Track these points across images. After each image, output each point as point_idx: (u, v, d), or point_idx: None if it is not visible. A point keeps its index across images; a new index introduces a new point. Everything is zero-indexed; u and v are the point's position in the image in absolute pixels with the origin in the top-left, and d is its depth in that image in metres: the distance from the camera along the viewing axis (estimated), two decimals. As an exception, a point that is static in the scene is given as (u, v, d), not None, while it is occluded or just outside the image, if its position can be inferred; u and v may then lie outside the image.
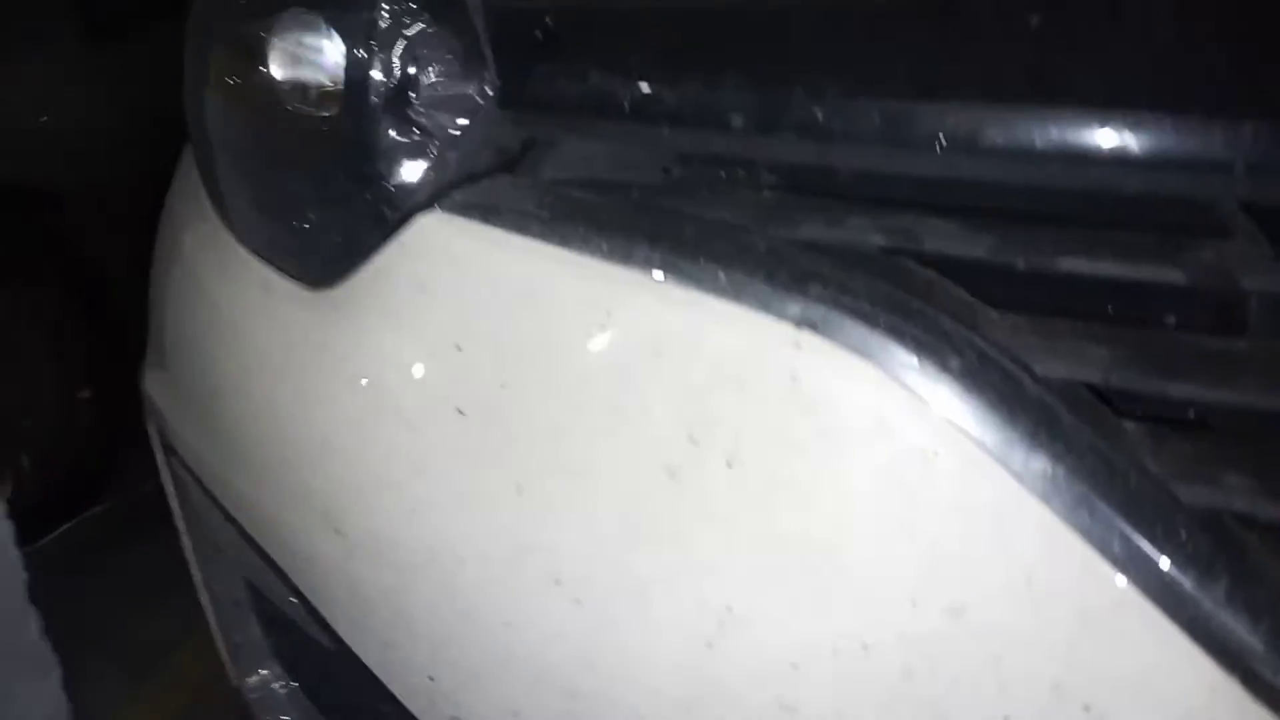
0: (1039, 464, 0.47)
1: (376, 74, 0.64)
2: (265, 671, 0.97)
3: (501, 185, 0.60)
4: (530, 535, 0.57)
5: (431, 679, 0.63)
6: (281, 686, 0.95)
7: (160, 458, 0.97)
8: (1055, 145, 0.45)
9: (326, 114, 0.68)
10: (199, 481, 0.82)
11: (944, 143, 0.45)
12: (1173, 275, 0.46)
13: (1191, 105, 0.43)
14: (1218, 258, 0.45)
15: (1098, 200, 0.47)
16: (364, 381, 0.63)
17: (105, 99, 2.68)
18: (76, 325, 2.62)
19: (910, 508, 0.49)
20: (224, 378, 0.74)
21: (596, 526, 0.55)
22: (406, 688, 0.66)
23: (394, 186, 0.64)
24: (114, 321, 2.73)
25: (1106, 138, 0.44)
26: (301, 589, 0.71)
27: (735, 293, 0.51)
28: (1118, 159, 0.44)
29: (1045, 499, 0.47)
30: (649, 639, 0.54)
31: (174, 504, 0.99)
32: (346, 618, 0.68)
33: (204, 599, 1.03)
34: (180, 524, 1.00)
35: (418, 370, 0.61)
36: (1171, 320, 0.46)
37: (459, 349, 0.59)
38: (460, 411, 0.59)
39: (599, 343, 0.55)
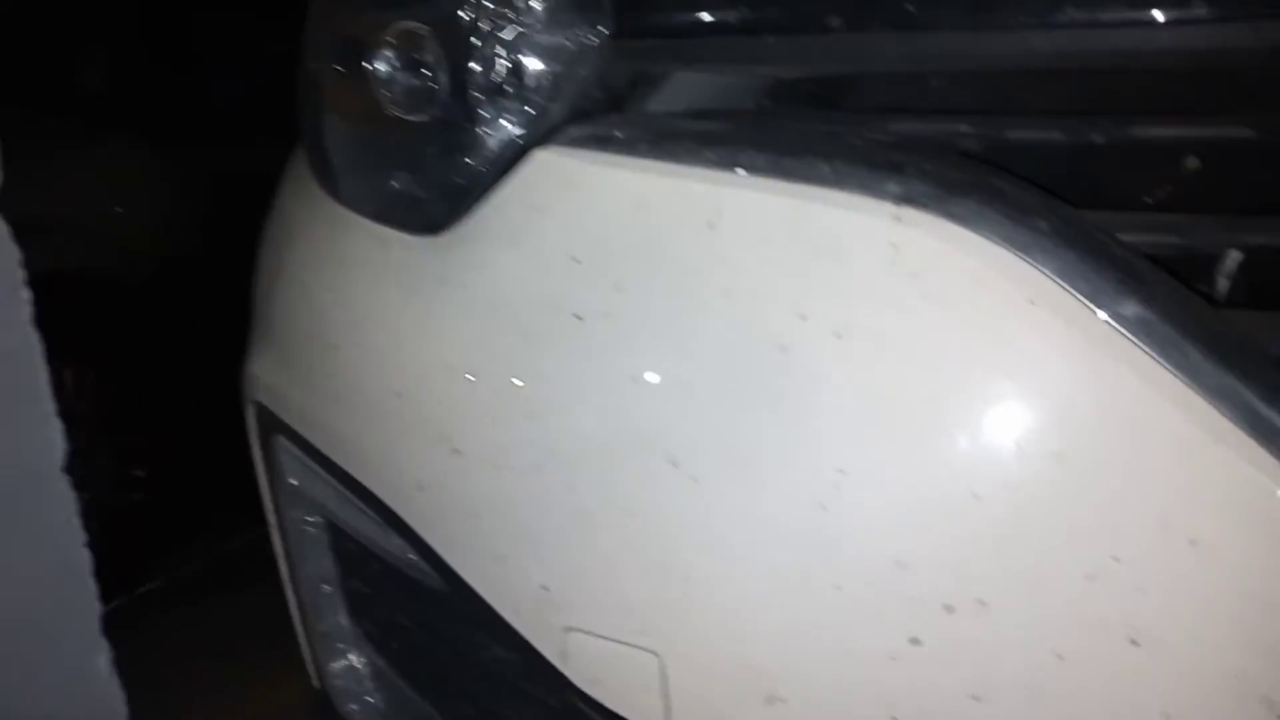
0: (1131, 309, 0.51)
1: (483, 51, 0.72)
2: (350, 657, 0.98)
3: (611, 119, 0.67)
4: (647, 422, 0.60)
5: (545, 588, 0.66)
6: (366, 667, 0.96)
7: (256, 449, 1.01)
8: (1123, 18, 0.50)
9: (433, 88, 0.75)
10: (305, 445, 0.86)
11: (1021, 19, 0.51)
12: (1243, 132, 0.50)
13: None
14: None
15: (1162, 66, 0.52)
16: (483, 303, 0.68)
17: (169, 198, 2.85)
18: (132, 407, 2.70)
19: (1011, 358, 0.53)
20: (341, 332, 0.79)
21: (711, 406, 0.59)
22: (517, 605, 0.68)
23: (507, 130, 0.70)
24: (166, 405, 2.82)
25: (1173, 9, 0.50)
26: (412, 524, 0.74)
27: (837, 180, 0.56)
28: (1183, 24, 0.49)
29: (1138, 341, 0.50)
30: (765, 508, 0.57)
31: (267, 493, 1.02)
32: (457, 542, 0.71)
33: (291, 596, 1.05)
34: (271, 516, 1.03)
35: (536, 283, 0.66)
36: (1244, 173, 0.51)
37: (575, 260, 0.64)
38: (578, 316, 0.63)
39: (709, 237, 0.59)
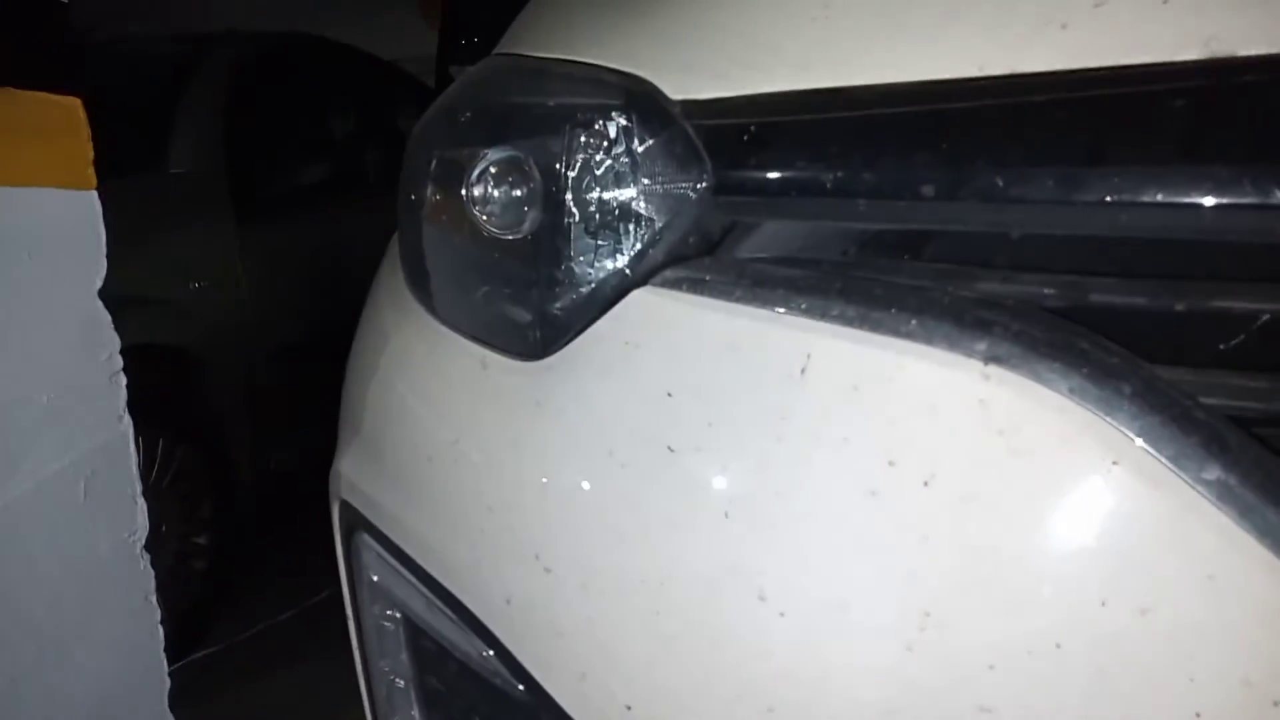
0: (1213, 474, 0.53)
1: (581, 187, 0.77)
2: (422, 753, 1.01)
3: (705, 263, 0.71)
4: (736, 556, 0.63)
5: (629, 708, 0.69)
6: (438, 764, 0.99)
7: (339, 543, 1.06)
8: (1204, 199, 0.54)
9: (533, 229, 0.80)
10: (390, 545, 0.90)
11: (1107, 199, 0.55)
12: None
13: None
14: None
15: (1245, 250, 0.56)
16: (578, 429, 0.72)
17: (254, 276, 2.97)
18: (200, 477, 2.78)
19: (1095, 517, 0.55)
20: (434, 445, 0.84)
21: (801, 544, 0.61)
22: (599, 720, 0.71)
23: (609, 271, 0.75)
24: (231, 477, 2.90)
25: (1248, 192, 0.53)
26: (497, 633, 0.78)
27: (926, 336, 0.60)
28: (1262, 210, 0.52)
29: (1220, 505, 0.53)
30: (850, 644, 0.59)
31: (348, 590, 1.06)
32: (541, 655, 0.74)
33: (364, 688, 1.08)
34: (350, 609, 1.07)
35: (630, 414, 0.69)
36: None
37: (669, 395, 0.68)
38: (670, 449, 0.67)
39: (799, 382, 0.63)
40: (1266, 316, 0.61)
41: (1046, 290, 0.60)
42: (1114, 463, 0.55)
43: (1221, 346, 0.62)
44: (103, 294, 1.27)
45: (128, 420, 1.42)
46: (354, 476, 0.98)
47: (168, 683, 1.58)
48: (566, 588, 0.71)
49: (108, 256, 1.33)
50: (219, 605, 2.80)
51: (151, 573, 1.52)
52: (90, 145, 1.30)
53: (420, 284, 0.94)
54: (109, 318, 1.38)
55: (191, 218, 2.86)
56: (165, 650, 1.56)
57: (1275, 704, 0.51)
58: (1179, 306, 0.57)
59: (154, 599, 1.56)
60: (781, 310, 0.65)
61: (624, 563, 0.68)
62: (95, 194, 1.29)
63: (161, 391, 2.62)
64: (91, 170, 1.28)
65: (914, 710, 0.58)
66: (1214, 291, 0.57)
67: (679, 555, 0.66)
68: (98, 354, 1.38)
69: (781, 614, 0.61)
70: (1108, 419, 0.55)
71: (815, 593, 0.61)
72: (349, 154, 3.49)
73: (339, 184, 3.32)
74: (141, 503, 1.51)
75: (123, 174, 2.63)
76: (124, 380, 1.41)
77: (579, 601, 0.71)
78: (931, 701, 0.57)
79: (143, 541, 1.50)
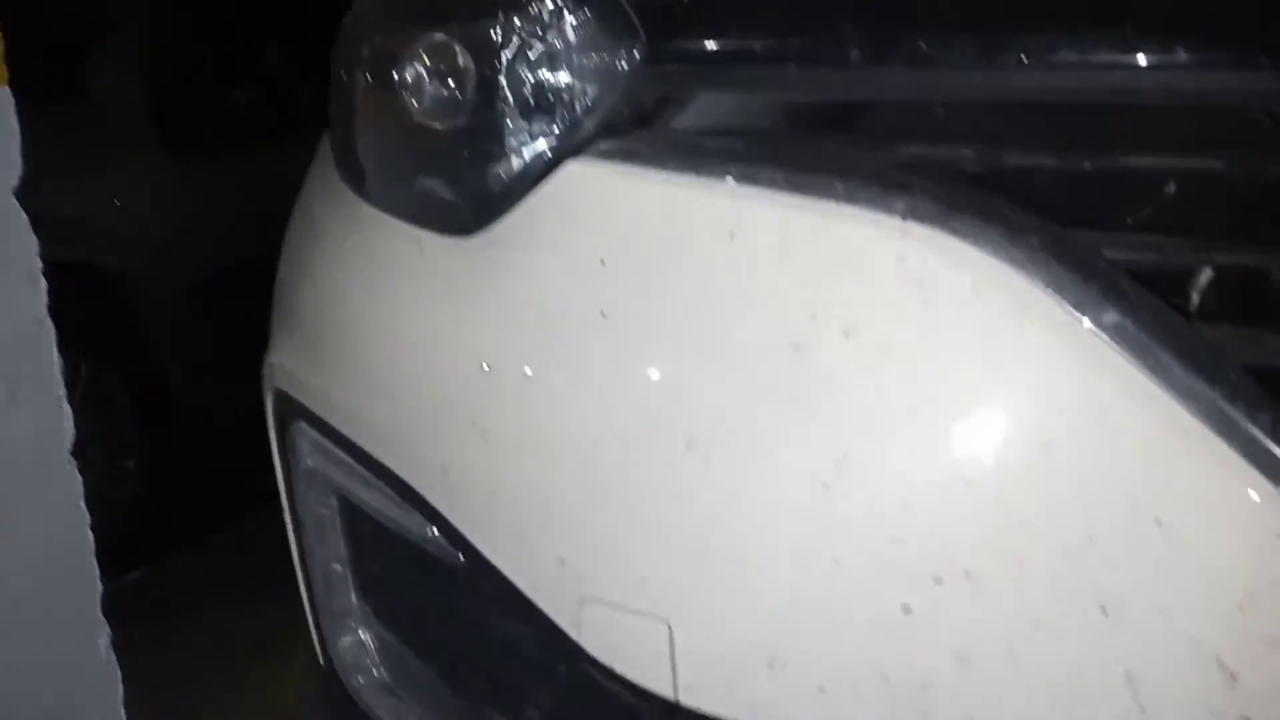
0: (1111, 318, 0.57)
1: (514, 67, 0.77)
2: (359, 633, 1.03)
3: (639, 135, 0.73)
4: (666, 410, 0.66)
5: (563, 561, 0.71)
6: (375, 642, 1.01)
7: (273, 434, 1.06)
8: (1112, 61, 0.57)
9: (469, 103, 0.80)
10: (326, 429, 0.91)
11: (1024, 59, 0.57)
12: (1213, 164, 0.57)
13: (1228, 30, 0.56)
14: (1252, 151, 0.57)
15: (1146, 107, 0.59)
16: (514, 301, 0.73)
17: (175, 200, 2.91)
18: (127, 398, 2.73)
19: (1002, 359, 0.59)
20: (371, 325, 0.84)
21: (727, 396, 0.64)
22: (535, 579, 0.74)
23: (542, 145, 0.76)
24: (160, 398, 2.86)
25: (1157, 55, 0.56)
26: (434, 503, 0.79)
27: (850, 197, 0.63)
28: (1165, 69, 0.56)
29: (1117, 347, 0.57)
30: (773, 488, 0.63)
31: (284, 482, 1.07)
32: (479, 520, 0.77)
33: (301, 577, 1.10)
34: (285, 500, 1.08)
35: (564, 283, 0.71)
36: (1213, 200, 0.58)
37: (602, 263, 0.70)
38: (603, 314, 0.69)
39: (729, 245, 0.65)
40: (1172, 188, 0.65)
41: (965, 152, 0.63)
42: (1021, 309, 0.58)
43: (1129, 220, 0.66)
44: (28, 204, 1.23)
45: (49, 325, 1.40)
46: (289, 365, 0.98)
47: (99, 588, 1.57)
48: (503, 452, 0.74)
49: (33, 171, 1.28)
50: (151, 530, 2.77)
51: (79, 478, 1.51)
52: (1, 39, 1.25)
53: (353, 170, 0.94)
54: (26, 219, 1.34)
55: (111, 138, 2.78)
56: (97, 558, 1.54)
57: (1158, 521, 0.56)
58: (1087, 165, 0.61)
59: (82, 505, 1.55)
60: (713, 177, 0.67)
61: (559, 424, 0.70)
62: (8, 90, 1.25)
63: (83, 313, 2.56)
64: (3, 65, 1.24)
65: (831, 545, 0.61)
66: (1118, 152, 0.60)
67: (612, 413, 0.68)
68: (14, 255, 1.35)
69: (707, 462, 0.64)
70: (1017, 269, 0.59)
71: (739, 441, 0.64)
72: (282, 86, 3.41)
73: (272, 116, 3.25)
74: (66, 408, 1.49)
75: (39, 91, 2.53)
76: (44, 284, 1.38)
77: (515, 464, 0.73)
78: (847, 536, 0.61)
79: (68, 446, 1.48)
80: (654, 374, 0.67)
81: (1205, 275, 0.65)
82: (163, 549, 2.70)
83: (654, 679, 0.70)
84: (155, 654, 2.16)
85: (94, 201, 2.66)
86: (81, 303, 2.58)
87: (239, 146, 3.20)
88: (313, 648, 1.12)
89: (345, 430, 0.89)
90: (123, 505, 2.69)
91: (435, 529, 0.81)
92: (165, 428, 2.83)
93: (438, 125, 0.82)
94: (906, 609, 0.60)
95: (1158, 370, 0.56)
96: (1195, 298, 0.60)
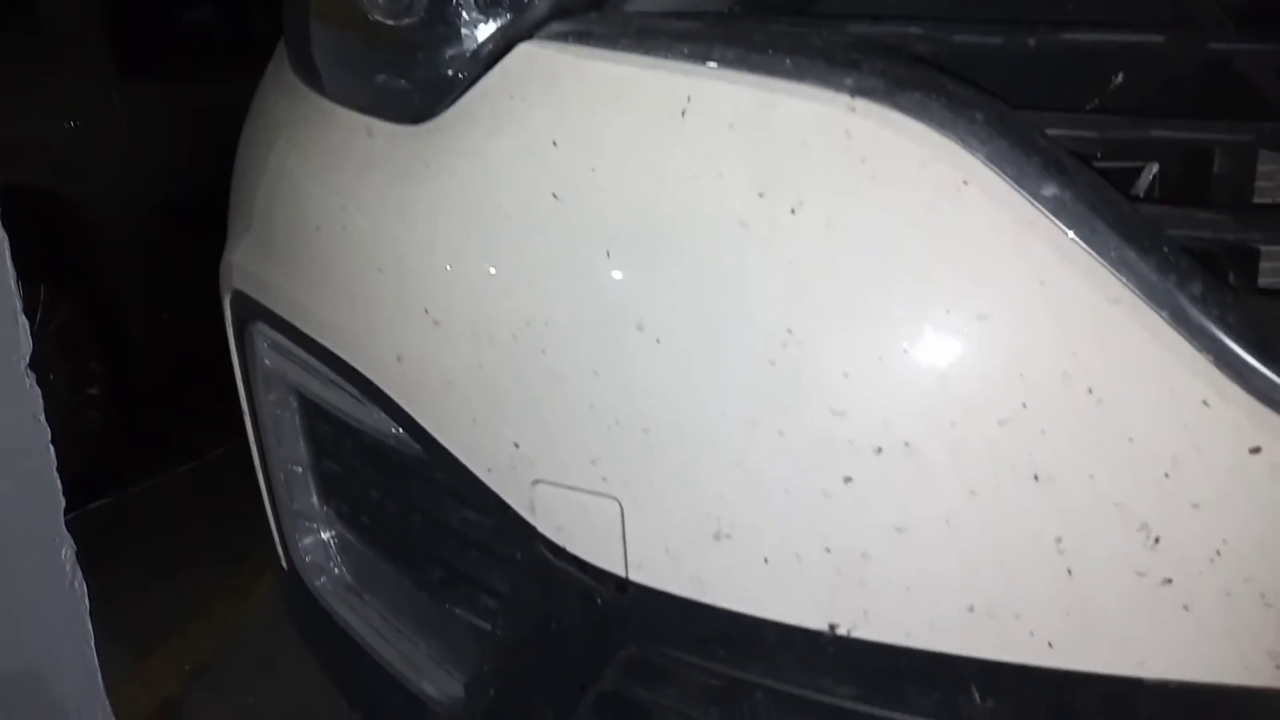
0: (1050, 190, 0.58)
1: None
2: (320, 533, 1.04)
3: (592, 16, 0.72)
4: (616, 292, 0.67)
5: (517, 445, 0.72)
6: (335, 540, 1.02)
7: (232, 337, 1.06)
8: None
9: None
10: (284, 326, 0.91)
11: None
12: (1157, 40, 0.58)
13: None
14: (1193, 28, 0.57)
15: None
16: (465, 185, 0.73)
17: (132, 125, 2.84)
18: (88, 326, 2.70)
19: (945, 233, 0.60)
20: (325, 215, 0.84)
21: (676, 275, 0.65)
22: (490, 463, 0.75)
23: (493, 27, 0.75)
24: (121, 326, 2.82)
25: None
26: (390, 393, 0.80)
27: (799, 74, 0.63)
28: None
29: (1055, 219, 0.58)
30: (720, 364, 0.64)
31: (243, 384, 1.07)
32: (433, 408, 0.77)
33: (262, 480, 1.10)
34: (245, 404, 1.08)
35: (516, 166, 0.71)
36: (1159, 76, 0.58)
37: (554, 145, 0.70)
38: (555, 196, 0.69)
39: (679, 124, 0.65)
40: (1119, 79, 0.66)
41: (913, 30, 0.63)
42: (964, 183, 0.59)
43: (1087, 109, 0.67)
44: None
45: (2, 234, 1.38)
46: (245, 263, 0.97)
47: (62, 501, 1.57)
48: (455, 338, 0.74)
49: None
50: (115, 459, 2.76)
51: (39, 391, 1.50)
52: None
53: (306, 64, 0.92)
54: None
55: (62, 60, 2.70)
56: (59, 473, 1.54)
57: (1089, 391, 0.57)
58: (1031, 42, 0.61)
59: (42, 418, 1.54)
60: (664, 57, 0.67)
61: (511, 308, 0.71)
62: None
63: (41, 238, 2.51)
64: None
65: (773, 418, 0.63)
66: (1061, 29, 0.60)
67: (563, 296, 0.69)
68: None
69: (657, 340, 0.65)
70: (960, 144, 0.59)
71: (688, 319, 0.64)
72: (239, 10, 3.33)
73: (228, 43, 3.18)
74: (23, 320, 1.47)
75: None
76: (-6, 199, 1.35)
77: (468, 350, 0.73)
78: (789, 409, 0.62)
79: (26, 360, 1.47)
80: (605, 256, 0.67)
81: (1150, 173, 0.66)
82: (129, 477, 2.70)
83: (605, 557, 0.71)
84: (121, 574, 2.18)
85: (46, 125, 2.60)
86: (39, 228, 2.54)
87: (196, 71, 3.14)
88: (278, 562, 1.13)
89: (301, 325, 0.89)
90: (88, 435, 2.67)
91: (392, 421, 0.82)
92: (128, 357, 2.81)
93: (390, 21, 0.81)
94: (848, 480, 0.61)
95: (1094, 242, 0.57)
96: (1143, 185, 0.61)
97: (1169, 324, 0.56)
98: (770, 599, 0.66)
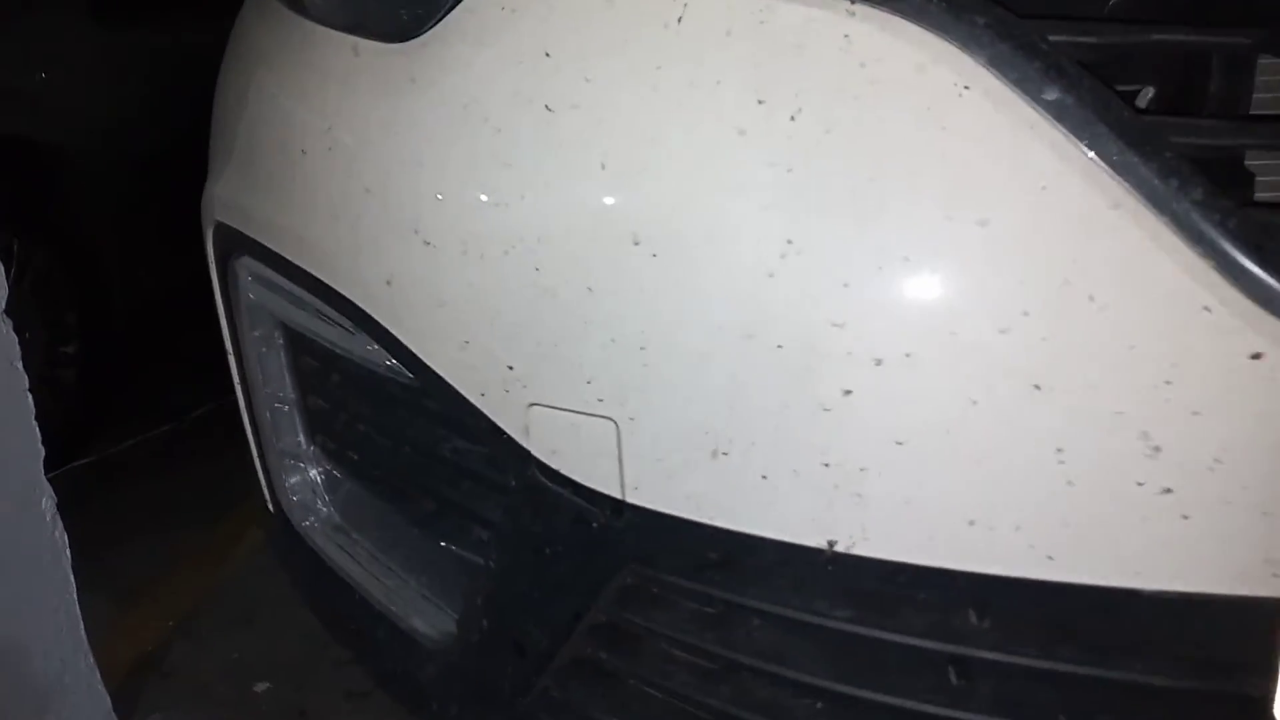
0: (1052, 94, 0.57)
1: None
2: (307, 472, 1.03)
3: (582, -72, 0.70)
4: (612, 205, 0.65)
5: (510, 367, 0.71)
6: (323, 478, 1.01)
7: (215, 272, 1.04)
8: None
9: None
10: (269, 256, 0.89)
11: None
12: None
13: None
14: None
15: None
16: (455, 100, 0.72)
17: (109, 74, 2.78)
18: (64, 281, 2.66)
19: (944, 137, 0.59)
20: (310, 137, 0.82)
21: (674, 186, 0.64)
22: (484, 387, 0.74)
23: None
24: (100, 280, 2.78)
25: None
26: (380, 319, 0.79)
27: (797, -22, 0.61)
28: None
29: (1056, 124, 0.57)
30: (717, 278, 0.63)
31: (226, 322, 1.05)
32: (425, 331, 0.76)
33: (250, 424, 1.09)
34: (230, 344, 1.06)
35: (507, 79, 0.69)
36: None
37: (547, 55, 0.68)
38: (548, 108, 0.67)
39: (676, 31, 0.64)
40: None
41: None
42: (965, 87, 0.58)
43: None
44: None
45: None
46: (227, 194, 0.95)
47: (41, 450, 1.55)
48: (446, 258, 0.73)
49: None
50: (95, 417, 2.72)
51: (15, 338, 1.47)
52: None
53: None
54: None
55: (37, 3, 2.64)
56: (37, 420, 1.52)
57: (1090, 298, 0.57)
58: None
59: (19, 365, 1.51)
60: (658, -35, 0.65)
61: (502, 224, 0.69)
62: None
63: (13, 187, 2.46)
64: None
65: (771, 330, 0.62)
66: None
67: (556, 210, 0.67)
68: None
69: (654, 255, 0.64)
70: (961, 48, 0.58)
71: (686, 232, 0.63)
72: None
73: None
74: (-2, 264, 1.43)
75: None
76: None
77: (459, 269, 0.72)
78: (788, 321, 0.61)
79: (2, 306, 1.44)
80: (600, 168, 0.66)
81: (1146, 97, 0.65)
82: (110, 436, 2.67)
83: (602, 479, 0.70)
84: (103, 529, 2.16)
85: (20, 73, 2.54)
86: (12, 177, 2.49)
87: (174, 14, 3.07)
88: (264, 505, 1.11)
89: (288, 254, 0.87)
90: (66, 392, 2.64)
91: (382, 349, 0.81)
92: (106, 311, 2.77)
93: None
94: (847, 392, 0.61)
95: (1095, 146, 0.56)
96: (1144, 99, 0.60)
97: (1170, 229, 0.56)
98: (768, 516, 0.66)
